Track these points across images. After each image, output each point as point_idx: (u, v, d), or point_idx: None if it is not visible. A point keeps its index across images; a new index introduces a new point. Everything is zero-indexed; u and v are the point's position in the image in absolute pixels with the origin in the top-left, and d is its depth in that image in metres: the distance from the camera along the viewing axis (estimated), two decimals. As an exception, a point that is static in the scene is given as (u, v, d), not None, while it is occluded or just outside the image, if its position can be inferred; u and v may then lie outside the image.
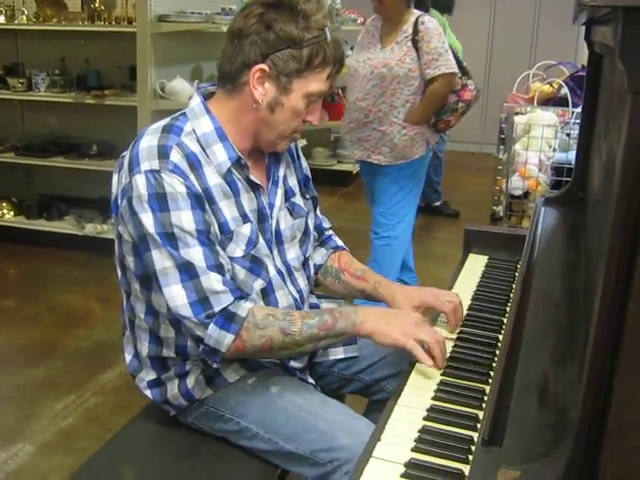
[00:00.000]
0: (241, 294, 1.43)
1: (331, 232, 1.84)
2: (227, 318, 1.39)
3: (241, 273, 1.48)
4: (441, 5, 5.36)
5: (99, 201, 4.47)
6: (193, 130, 1.45)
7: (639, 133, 0.62)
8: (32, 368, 3.11)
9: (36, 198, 4.78)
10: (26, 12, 4.38)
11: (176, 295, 1.38)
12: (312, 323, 1.42)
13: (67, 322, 3.61)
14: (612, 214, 0.67)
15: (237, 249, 1.47)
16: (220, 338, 1.39)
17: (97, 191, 4.45)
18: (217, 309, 1.38)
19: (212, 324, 1.38)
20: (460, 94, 3.38)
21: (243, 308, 1.40)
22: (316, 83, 1.43)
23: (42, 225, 4.62)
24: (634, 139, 0.62)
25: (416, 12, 3.32)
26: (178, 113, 1.51)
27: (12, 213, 4.73)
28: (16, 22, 4.42)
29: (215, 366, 1.48)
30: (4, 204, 4.74)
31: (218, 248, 1.43)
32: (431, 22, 3.28)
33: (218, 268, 1.40)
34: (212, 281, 1.38)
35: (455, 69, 3.31)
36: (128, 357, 1.62)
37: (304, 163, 1.74)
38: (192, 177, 1.39)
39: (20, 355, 3.25)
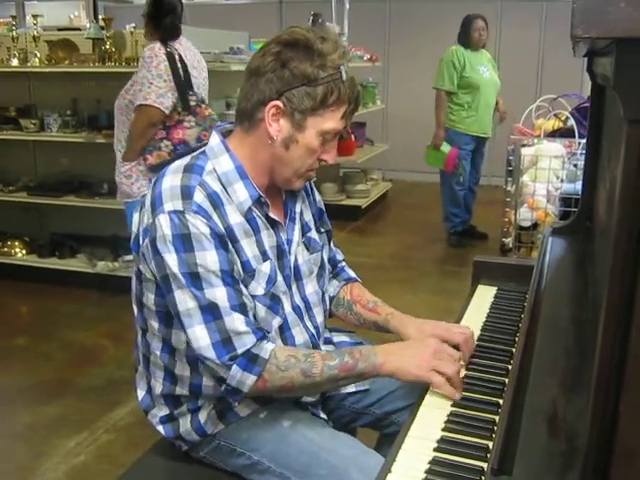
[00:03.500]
0: (263, 334, 1.43)
1: (344, 264, 1.85)
2: (250, 360, 1.39)
3: (262, 311, 1.48)
4: (461, 40, 5.42)
5: (110, 239, 4.51)
6: (214, 169, 1.46)
7: (635, 160, 0.63)
8: (44, 406, 3.11)
9: (48, 237, 4.82)
10: (38, 55, 4.46)
11: (199, 336, 1.38)
12: (333, 364, 1.42)
13: (79, 360, 3.61)
14: (613, 241, 0.68)
15: (258, 287, 1.47)
16: (243, 379, 1.40)
17: (108, 229, 4.49)
18: (240, 351, 1.39)
19: (235, 365, 1.39)
20: (170, 131, 3.12)
21: (266, 350, 1.41)
22: (331, 121, 1.44)
23: (54, 264, 4.66)
24: (631, 166, 0.64)
25: (155, 43, 3.18)
26: (198, 152, 1.51)
27: (24, 252, 4.78)
28: (29, 65, 4.50)
29: (236, 404, 1.49)
30: (17, 243, 4.79)
31: (241, 287, 1.43)
32: (149, 51, 3.13)
33: (241, 308, 1.41)
34: (235, 322, 1.39)
35: (150, 102, 3.06)
36: (141, 393, 1.62)
37: (318, 197, 1.76)
38: (215, 217, 1.40)
39: (32, 393, 3.26)
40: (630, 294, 0.67)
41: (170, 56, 3.15)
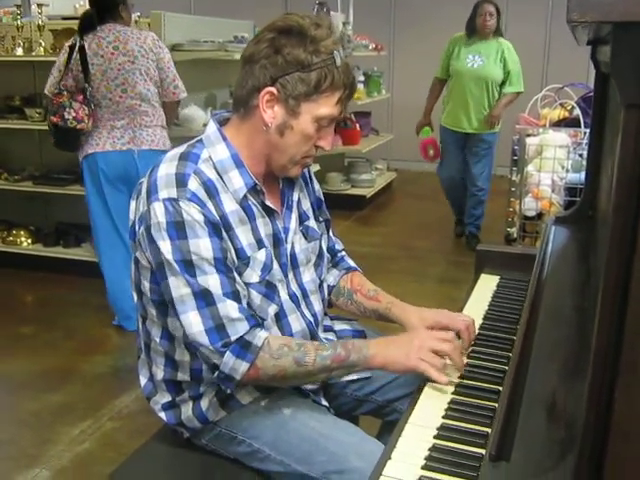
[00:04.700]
0: (257, 322, 1.44)
1: (344, 253, 1.85)
2: (243, 347, 1.40)
3: (257, 299, 1.49)
4: (467, 25, 5.12)
5: (115, 228, 4.50)
6: (210, 157, 1.46)
7: (632, 145, 0.63)
8: (49, 393, 3.13)
9: (53, 226, 4.83)
10: (43, 44, 4.46)
11: (193, 322, 1.39)
12: (325, 355, 1.44)
13: (84, 348, 3.63)
14: (610, 227, 0.68)
15: (253, 275, 1.48)
16: (235, 366, 1.40)
17: (113, 218, 4.48)
18: (233, 337, 1.40)
19: (228, 352, 1.39)
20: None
21: (259, 337, 1.42)
22: (325, 107, 1.44)
23: (59, 252, 4.67)
24: (627, 151, 0.64)
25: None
26: (194, 140, 1.52)
27: (30, 241, 4.79)
28: (34, 54, 4.50)
29: (229, 391, 1.49)
30: (22, 232, 4.80)
31: (235, 275, 1.44)
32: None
33: (234, 295, 1.41)
34: (228, 308, 1.39)
35: (45, 90, 3.60)
36: (143, 380, 1.64)
37: (316, 186, 1.76)
38: (210, 204, 1.41)
39: (37, 381, 3.28)
40: (626, 280, 0.67)
41: (71, 48, 3.49)
